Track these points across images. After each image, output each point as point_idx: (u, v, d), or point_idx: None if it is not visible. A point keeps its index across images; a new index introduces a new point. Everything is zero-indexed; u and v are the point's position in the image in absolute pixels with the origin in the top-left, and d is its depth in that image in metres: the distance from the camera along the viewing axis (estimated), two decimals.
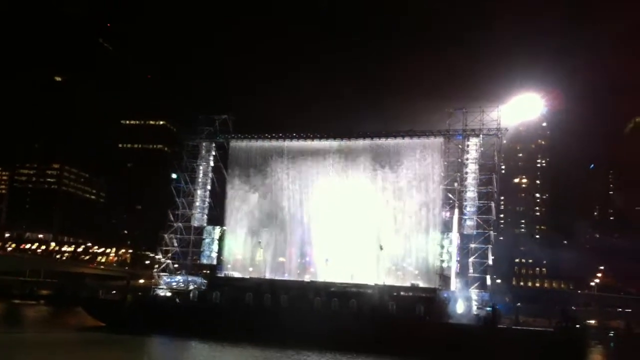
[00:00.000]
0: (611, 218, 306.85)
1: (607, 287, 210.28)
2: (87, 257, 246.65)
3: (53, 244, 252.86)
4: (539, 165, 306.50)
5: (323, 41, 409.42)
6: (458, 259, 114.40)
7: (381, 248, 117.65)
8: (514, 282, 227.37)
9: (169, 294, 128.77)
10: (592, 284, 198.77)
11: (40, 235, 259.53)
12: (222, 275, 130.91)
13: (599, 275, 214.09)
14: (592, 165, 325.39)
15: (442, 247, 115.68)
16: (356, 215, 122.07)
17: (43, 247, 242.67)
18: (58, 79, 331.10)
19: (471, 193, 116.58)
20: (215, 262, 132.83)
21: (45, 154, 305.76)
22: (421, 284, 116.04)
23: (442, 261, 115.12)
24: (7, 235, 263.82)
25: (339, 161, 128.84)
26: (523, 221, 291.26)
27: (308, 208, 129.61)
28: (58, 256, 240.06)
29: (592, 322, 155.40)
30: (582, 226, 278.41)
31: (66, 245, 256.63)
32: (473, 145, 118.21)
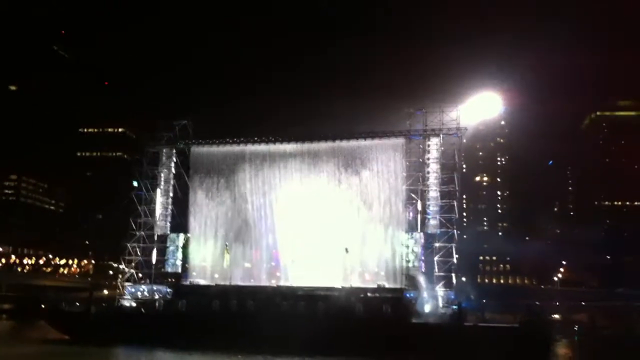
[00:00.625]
0: (571, 213, 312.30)
1: (569, 282, 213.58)
2: (49, 269, 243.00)
3: (13, 256, 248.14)
4: (499, 163, 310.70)
5: (281, 43, 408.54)
6: (423, 258, 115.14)
7: (347, 251, 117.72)
8: (478, 280, 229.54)
9: (134, 304, 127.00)
10: (555, 278, 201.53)
11: (0, 249, 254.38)
12: (188, 283, 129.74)
13: (562, 269, 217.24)
14: (551, 162, 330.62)
15: (407, 247, 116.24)
16: (321, 218, 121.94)
17: (3, 260, 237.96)
18: (12, 87, 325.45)
19: (433, 192, 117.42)
20: (180, 270, 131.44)
21: (2, 165, 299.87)
22: (387, 285, 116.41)
23: (408, 261, 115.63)
24: None
25: (302, 164, 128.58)
26: (485, 219, 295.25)
27: (272, 212, 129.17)
28: (19, 269, 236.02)
29: (557, 316, 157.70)
30: (542, 222, 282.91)
31: (27, 258, 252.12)
32: (434, 145, 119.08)
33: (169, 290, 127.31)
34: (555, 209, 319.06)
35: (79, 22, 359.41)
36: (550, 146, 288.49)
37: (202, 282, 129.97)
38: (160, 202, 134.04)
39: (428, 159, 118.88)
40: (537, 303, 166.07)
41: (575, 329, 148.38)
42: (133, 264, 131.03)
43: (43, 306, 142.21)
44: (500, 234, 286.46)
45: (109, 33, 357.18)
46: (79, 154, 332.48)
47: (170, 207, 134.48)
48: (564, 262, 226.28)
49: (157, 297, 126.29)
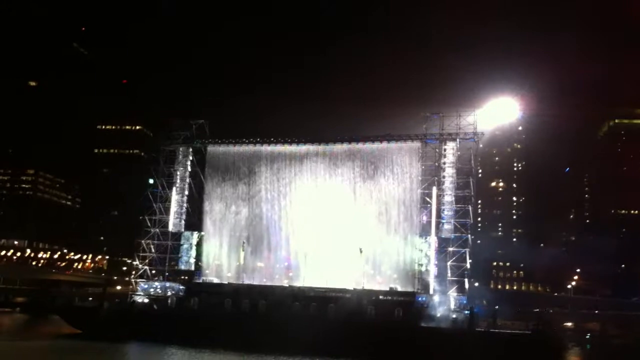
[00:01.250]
0: (587, 221, 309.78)
1: (582, 290, 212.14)
2: (63, 264, 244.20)
3: (28, 250, 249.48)
4: (515, 169, 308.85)
5: (302, 46, 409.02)
6: (436, 262, 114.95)
7: (360, 251, 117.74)
8: (491, 285, 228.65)
9: (146, 300, 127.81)
10: (569, 286, 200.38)
11: (15, 242, 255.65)
12: (200, 281, 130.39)
13: (575, 277, 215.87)
14: (568, 169, 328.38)
15: (421, 250, 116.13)
16: (335, 219, 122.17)
17: (18, 254, 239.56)
18: (32, 83, 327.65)
19: (448, 197, 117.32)
20: (193, 268, 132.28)
21: (20, 160, 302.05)
22: (399, 288, 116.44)
23: (420, 265, 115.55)
24: None
25: (318, 166, 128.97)
26: (500, 224, 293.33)
27: (286, 213, 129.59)
28: (34, 263, 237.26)
29: (569, 324, 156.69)
30: (557, 229, 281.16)
31: (42, 252, 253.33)
32: (450, 150, 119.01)
33: (181, 287, 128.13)
34: (571, 216, 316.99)
35: (98, 19, 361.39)
36: (567, 153, 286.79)
37: (215, 280, 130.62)
38: (176, 200, 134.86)
39: (444, 163, 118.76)
40: (550, 310, 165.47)
41: (587, 337, 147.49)
42: (147, 261, 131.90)
43: (56, 301, 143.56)
44: (514, 240, 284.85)
45: (128, 31, 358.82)
46: (96, 151, 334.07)
47: (185, 205, 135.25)
48: (577, 270, 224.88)
49: (169, 294, 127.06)
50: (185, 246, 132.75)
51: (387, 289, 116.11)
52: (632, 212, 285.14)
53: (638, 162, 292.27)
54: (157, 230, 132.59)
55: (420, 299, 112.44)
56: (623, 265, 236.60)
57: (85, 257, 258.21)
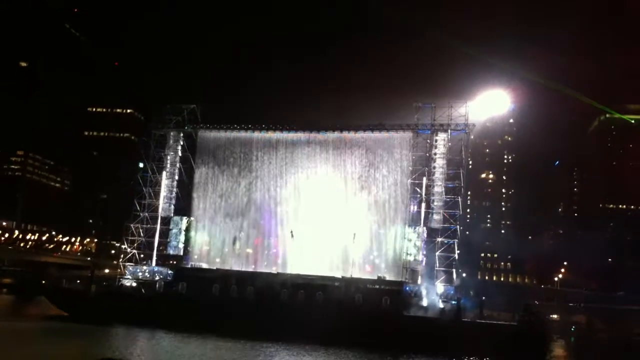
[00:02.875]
0: (575, 214, 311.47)
1: (569, 283, 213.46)
2: (51, 246, 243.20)
3: (16, 232, 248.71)
4: (505, 161, 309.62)
5: (292, 35, 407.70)
6: (424, 252, 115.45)
7: (354, 236, 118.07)
8: (479, 276, 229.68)
9: (134, 284, 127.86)
10: (555, 279, 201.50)
11: (4, 223, 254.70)
12: (189, 266, 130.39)
13: (562, 270, 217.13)
14: (557, 162, 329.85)
15: (409, 240, 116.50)
16: (324, 208, 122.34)
17: (6, 235, 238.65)
18: (23, 64, 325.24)
19: (438, 188, 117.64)
20: (182, 253, 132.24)
21: (9, 141, 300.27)
22: (388, 277, 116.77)
23: (409, 254, 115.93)
24: None
25: (309, 154, 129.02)
26: (489, 216, 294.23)
27: (276, 200, 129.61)
28: (22, 244, 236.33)
29: (555, 316, 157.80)
30: (546, 222, 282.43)
31: (30, 234, 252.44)
32: (441, 141, 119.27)
33: (169, 272, 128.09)
34: (560, 210, 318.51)
35: (93, 2, 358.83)
36: (557, 147, 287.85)
37: (204, 265, 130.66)
38: (166, 184, 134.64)
39: (435, 154, 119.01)
40: (536, 302, 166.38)
41: (572, 329, 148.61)
42: (135, 245, 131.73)
43: (44, 282, 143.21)
44: (503, 232, 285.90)
45: (121, 12, 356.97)
46: (86, 133, 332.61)
47: (175, 190, 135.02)
48: (565, 263, 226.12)
49: (157, 278, 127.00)
50: (174, 231, 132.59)
51: (375, 278, 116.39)
52: (620, 206, 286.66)
53: (628, 157, 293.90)
54: (147, 214, 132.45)
55: (408, 288, 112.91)
56: (610, 259, 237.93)
57: (73, 239, 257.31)
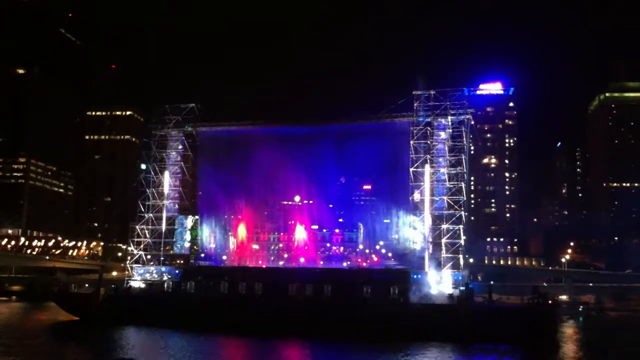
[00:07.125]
0: (579, 195, 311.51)
1: (576, 263, 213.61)
2: (58, 252, 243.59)
3: (23, 239, 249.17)
4: (507, 145, 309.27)
5: (290, 29, 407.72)
6: (430, 240, 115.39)
7: (360, 227, 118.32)
8: (486, 261, 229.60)
9: (142, 285, 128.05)
10: (563, 260, 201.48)
11: (10, 231, 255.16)
12: (196, 264, 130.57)
13: (569, 251, 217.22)
14: (559, 144, 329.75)
15: (415, 228, 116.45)
16: (329, 199, 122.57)
17: (12, 242, 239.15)
18: (21, 71, 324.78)
19: (441, 174, 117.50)
20: (188, 252, 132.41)
21: (11, 148, 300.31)
22: (395, 266, 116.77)
23: (415, 243, 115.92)
24: None
25: (309, 146, 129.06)
26: (493, 200, 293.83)
27: (279, 193, 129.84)
28: (29, 251, 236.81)
29: (564, 297, 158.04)
30: (550, 203, 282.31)
31: (36, 240, 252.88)
32: (442, 127, 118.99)
33: (177, 271, 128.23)
34: (564, 191, 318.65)
35: (87, 5, 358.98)
36: (558, 128, 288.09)
37: (211, 263, 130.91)
38: (169, 184, 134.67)
39: (436, 141, 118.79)
40: (545, 284, 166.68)
41: (580, 309, 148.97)
42: (141, 246, 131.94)
43: (52, 288, 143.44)
44: (508, 215, 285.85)
45: (117, 17, 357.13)
46: (87, 137, 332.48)
47: (178, 189, 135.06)
48: (571, 244, 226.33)
49: (165, 278, 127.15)
50: (179, 230, 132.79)
51: (383, 267, 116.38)
52: (624, 184, 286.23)
53: (628, 135, 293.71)
54: (151, 215, 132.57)
55: (415, 276, 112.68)
56: (616, 238, 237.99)
57: (79, 243, 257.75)
